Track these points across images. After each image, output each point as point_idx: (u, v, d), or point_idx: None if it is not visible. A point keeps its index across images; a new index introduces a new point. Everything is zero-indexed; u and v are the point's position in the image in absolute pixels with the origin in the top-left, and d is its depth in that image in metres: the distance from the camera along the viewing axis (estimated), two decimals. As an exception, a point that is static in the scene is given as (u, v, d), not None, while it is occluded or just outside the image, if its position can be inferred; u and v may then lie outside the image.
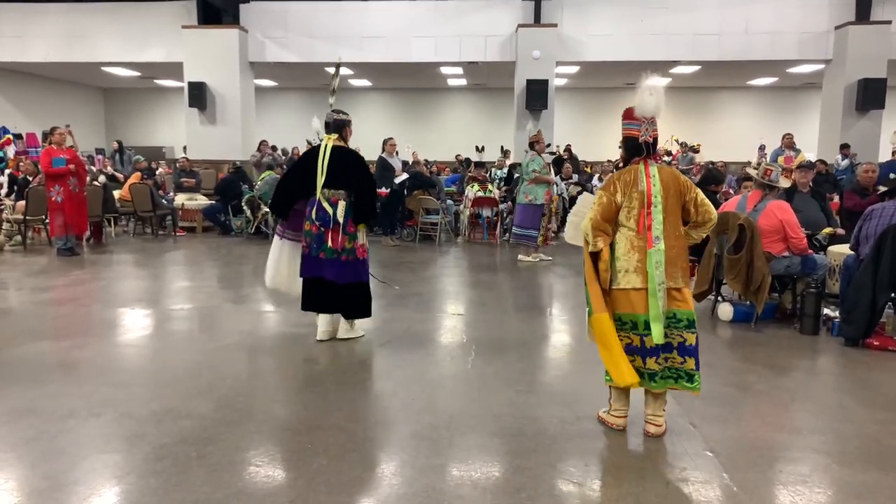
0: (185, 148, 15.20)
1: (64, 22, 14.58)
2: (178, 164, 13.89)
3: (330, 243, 4.89)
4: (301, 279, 5.11)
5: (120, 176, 13.59)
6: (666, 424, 3.57)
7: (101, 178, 12.21)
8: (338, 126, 5.03)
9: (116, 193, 11.59)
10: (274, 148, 15.29)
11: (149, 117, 22.08)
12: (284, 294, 5.46)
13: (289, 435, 3.47)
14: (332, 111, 5.09)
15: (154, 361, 4.78)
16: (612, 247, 3.46)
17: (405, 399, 4.04)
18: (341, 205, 4.91)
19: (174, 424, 3.55)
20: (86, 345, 5.05)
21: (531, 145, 9.05)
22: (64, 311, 6.18)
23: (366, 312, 5.19)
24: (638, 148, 3.48)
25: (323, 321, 5.15)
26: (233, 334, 5.43)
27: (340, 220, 4.88)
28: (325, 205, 4.89)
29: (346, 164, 4.94)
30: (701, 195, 3.49)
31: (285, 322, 5.87)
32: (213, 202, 11.89)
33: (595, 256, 3.45)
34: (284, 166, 12.61)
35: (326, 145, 4.94)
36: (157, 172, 13.72)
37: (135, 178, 11.83)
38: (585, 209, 3.61)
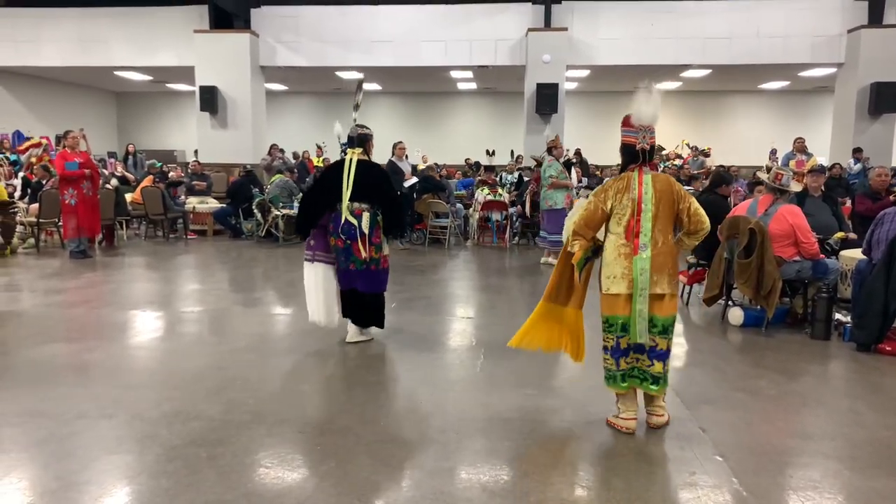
0: (196, 151, 15.27)
1: (77, 27, 14.73)
2: (189, 168, 13.98)
3: (357, 254, 4.98)
4: (336, 315, 5.21)
5: (131, 178, 13.69)
6: (668, 414, 3.68)
7: (113, 182, 12.30)
8: (361, 140, 5.11)
9: (128, 196, 11.68)
10: (283, 151, 15.36)
11: (160, 121, 22.24)
12: (324, 326, 5.26)
13: (298, 437, 3.49)
14: (356, 125, 5.17)
15: (164, 364, 4.81)
16: (598, 252, 3.63)
17: (414, 402, 4.04)
18: (365, 216, 4.98)
19: (185, 426, 3.57)
20: (97, 347, 5.09)
21: (549, 150, 9.04)
22: (76, 313, 6.23)
23: (381, 322, 5.29)
24: (634, 155, 3.52)
25: (351, 324, 5.27)
26: (243, 337, 5.46)
27: (366, 230, 4.97)
28: (350, 217, 4.95)
29: (372, 178, 5.04)
30: (695, 204, 3.53)
31: (295, 325, 5.89)
32: (224, 205, 11.95)
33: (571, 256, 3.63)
34: (295, 170, 12.67)
35: (351, 159, 5.02)
36: (169, 175, 13.81)
37: (147, 181, 11.91)
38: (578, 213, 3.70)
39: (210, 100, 14.08)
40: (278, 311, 6.51)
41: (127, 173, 14.06)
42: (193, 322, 6.00)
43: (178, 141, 21.60)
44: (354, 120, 5.21)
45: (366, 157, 5.12)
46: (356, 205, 4.98)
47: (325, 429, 3.57)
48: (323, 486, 2.96)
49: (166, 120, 22.20)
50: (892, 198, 5.47)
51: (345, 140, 5.26)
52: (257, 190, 11.73)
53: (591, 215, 3.54)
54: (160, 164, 13.49)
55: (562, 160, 9.20)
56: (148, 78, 17.95)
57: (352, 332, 5.26)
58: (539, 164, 10.87)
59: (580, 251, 3.56)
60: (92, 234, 9.50)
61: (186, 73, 14.91)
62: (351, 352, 5.14)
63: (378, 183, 5.09)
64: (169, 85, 19.71)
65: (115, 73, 16.74)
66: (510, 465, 3.21)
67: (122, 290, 7.36)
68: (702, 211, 3.55)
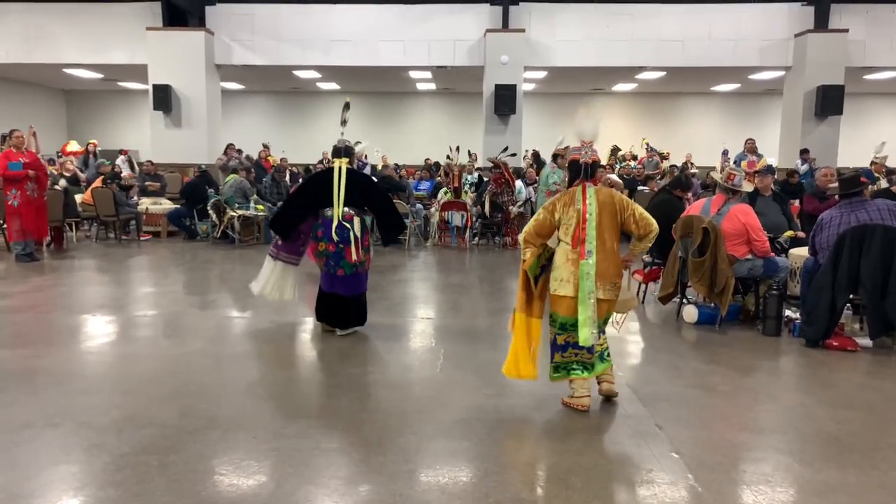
0: (128, 157, 14.79)
1: (24, 22, 14.24)
2: (142, 168, 13.65)
3: (348, 258, 5.22)
4: (289, 294, 5.62)
5: (82, 178, 13.29)
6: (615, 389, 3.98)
7: (62, 183, 11.93)
8: (348, 152, 5.44)
9: (78, 197, 11.34)
10: (240, 151, 15.11)
11: (112, 120, 21.65)
12: (260, 300, 5.74)
13: (254, 442, 3.41)
14: (343, 139, 5.51)
15: (116, 369, 4.67)
16: (551, 258, 3.89)
17: (372, 404, 4.01)
18: (356, 221, 5.25)
19: (136, 433, 3.47)
20: (45, 353, 4.91)
21: (554, 157, 9.09)
22: (22, 318, 6.01)
23: (364, 320, 5.55)
24: (579, 171, 3.82)
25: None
26: (198, 340, 5.34)
27: (358, 234, 5.23)
28: (344, 223, 5.21)
29: (362, 185, 5.39)
30: (639, 210, 3.82)
31: (251, 328, 5.80)
32: (179, 206, 11.70)
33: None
34: (252, 170, 12.47)
35: (340, 168, 5.27)
36: (122, 175, 13.44)
37: (97, 181, 11.58)
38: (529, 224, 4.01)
39: (164, 99, 13.78)
40: (234, 314, 6.39)
41: (79, 173, 13.63)
42: (147, 326, 5.85)
43: (132, 141, 21.04)
44: (342, 134, 5.52)
45: (351, 166, 5.42)
46: (347, 210, 5.23)
47: (280, 433, 3.51)
48: (279, 493, 2.91)
49: (118, 119, 21.62)
50: (836, 197, 5.63)
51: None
52: (212, 190, 11.50)
53: (540, 225, 3.84)
54: (110, 162, 13.14)
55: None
56: (99, 76, 17.46)
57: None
58: (496, 165, 10.94)
59: (531, 257, 3.83)
60: (38, 236, 9.18)
61: (139, 72, 14.56)
62: (308, 355, 5.08)
63: (370, 189, 5.45)
64: (121, 83, 19.22)
65: (64, 70, 16.24)
66: (469, 466, 3.21)
67: (72, 294, 7.14)
68: (647, 215, 3.83)
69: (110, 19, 14.27)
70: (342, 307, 5.37)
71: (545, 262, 3.92)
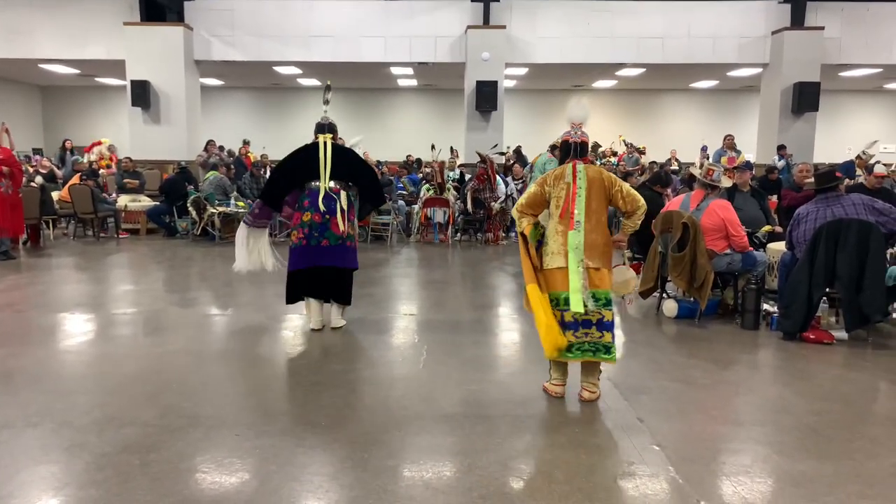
0: (78, 163, 14.59)
1: (-2, 17, 14.01)
2: (121, 165, 13.48)
3: (335, 229, 5.26)
4: (271, 260, 5.66)
5: (59, 174, 13.11)
6: (600, 391, 3.98)
7: (39, 179, 11.76)
8: (332, 128, 5.54)
9: (55, 195, 11.19)
10: (221, 148, 15.00)
11: (89, 116, 21.35)
12: (246, 275, 5.81)
13: (237, 440, 3.40)
14: (326, 117, 5.60)
15: (95, 368, 4.63)
16: (543, 233, 4.04)
17: (356, 401, 4.01)
18: (343, 194, 5.35)
19: (116, 433, 3.44)
20: (22, 352, 4.85)
21: (552, 148, 9.08)
22: (-2, 317, 5.93)
23: (349, 298, 5.58)
24: (569, 150, 4.04)
25: (315, 311, 5.45)
26: (179, 339, 5.30)
27: (345, 206, 5.32)
28: (332, 194, 5.29)
29: (348, 159, 5.51)
30: (626, 186, 4.00)
31: (233, 325, 5.76)
32: (158, 203, 11.58)
33: (526, 237, 4.01)
34: (232, 167, 12.38)
35: (326, 142, 5.37)
36: (99, 173, 13.29)
37: (75, 178, 11.43)
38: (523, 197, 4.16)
39: (142, 95, 13.60)
40: (215, 312, 6.35)
41: (56, 169, 13.44)
42: (127, 324, 5.80)
43: (109, 137, 20.67)
44: (325, 111, 5.64)
45: (335, 141, 5.52)
46: (334, 183, 5.31)
47: (263, 431, 3.50)
48: (262, 491, 2.90)
49: (96, 115, 21.33)
50: (812, 191, 5.71)
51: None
52: (192, 187, 11.40)
53: (532, 196, 4.03)
54: (83, 159, 12.96)
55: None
56: (75, 71, 17.21)
57: (335, 316, 5.51)
58: (483, 160, 10.95)
59: (528, 225, 3.99)
60: (14, 234, 9.04)
61: (117, 67, 14.37)
62: (290, 352, 5.06)
63: (355, 162, 5.55)
64: (98, 79, 18.96)
65: (40, 65, 15.98)
66: (453, 461, 3.22)
67: (50, 292, 7.05)
68: (634, 191, 3.98)
69: (87, 14, 14.06)
70: (338, 280, 5.40)
71: (539, 238, 4.05)
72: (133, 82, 13.67)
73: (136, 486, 2.91)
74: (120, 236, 11.22)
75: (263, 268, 5.66)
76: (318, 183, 5.28)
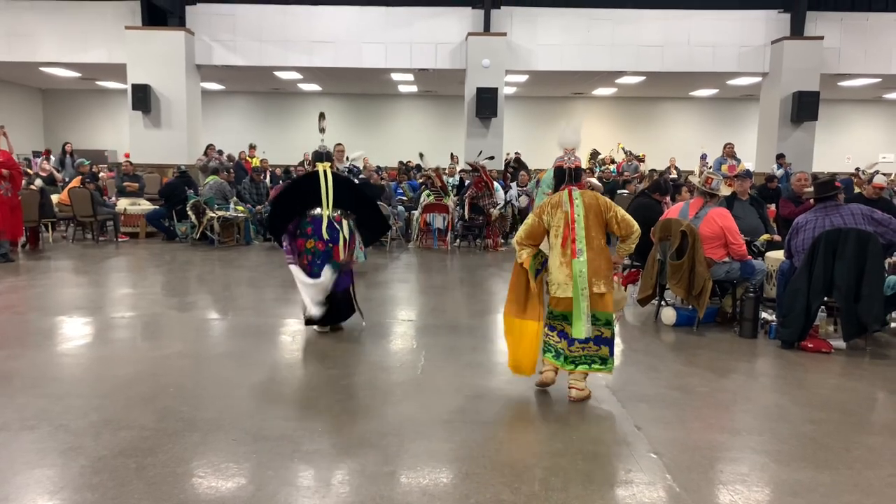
0: (112, 155, 14.69)
1: (1, 19, 14.03)
2: (121, 168, 13.49)
3: (336, 257, 5.32)
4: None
5: (59, 178, 13.11)
6: (588, 389, 4.08)
7: (38, 182, 11.76)
8: (330, 156, 5.64)
9: (55, 198, 11.19)
10: (220, 152, 15.01)
11: (90, 120, 21.39)
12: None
13: (234, 445, 3.40)
14: (323, 145, 5.68)
15: (93, 371, 4.62)
16: (545, 263, 4.15)
17: (353, 406, 4.00)
18: (345, 223, 5.43)
19: (113, 436, 3.44)
20: (20, 355, 4.84)
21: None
22: (-4, 320, 5.92)
23: (352, 311, 5.65)
24: (563, 176, 4.11)
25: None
26: (177, 342, 5.30)
27: (347, 236, 5.40)
28: (334, 223, 5.36)
29: (349, 188, 5.62)
30: (621, 212, 4.06)
31: (231, 330, 5.76)
32: (157, 207, 11.59)
33: (524, 268, 4.11)
34: (231, 171, 12.39)
35: (325, 171, 5.43)
36: (99, 176, 13.29)
37: (75, 181, 11.43)
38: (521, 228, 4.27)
39: (143, 98, 13.65)
40: (214, 316, 6.34)
41: (56, 172, 13.43)
42: (125, 328, 5.79)
43: (110, 140, 20.83)
44: (322, 140, 5.72)
45: (334, 170, 5.60)
46: (338, 212, 5.39)
47: (260, 436, 3.49)
48: (259, 496, 2.90)
49: (97, 118, 21.37)
50: (811, 201, 5.72)
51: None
52: (192, 191, 11.40)
53: (531, 229, 4.12)
54: (89, 162, 12.96)
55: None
56: (76, 75, 17.24)
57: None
58: (475, 168, 10.98)
59: (528, 256, 4.10)
60: (13, 236, 9.05)
61: (118, 71, 14.42)
62: (288, 357, 5.06)
63: (357, 192, 5.69)
64: (99, 82, 19.01)
65: (41, 69, 16.02)
66: (450, 468, 3.22)
67: (48, 295, 7.04)
68: (629, 217, 4.06)
69: (89, 18, 14.11)
70: (341, 302, 5.49)
71: (539, 266, 4.16)
72: (134, 86, 13.72)
73: (133, 490, 2.90)
74: (119, 240, 11.22)
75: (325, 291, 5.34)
76: (320, 211, 5.35)
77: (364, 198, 5.73)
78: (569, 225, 3.95)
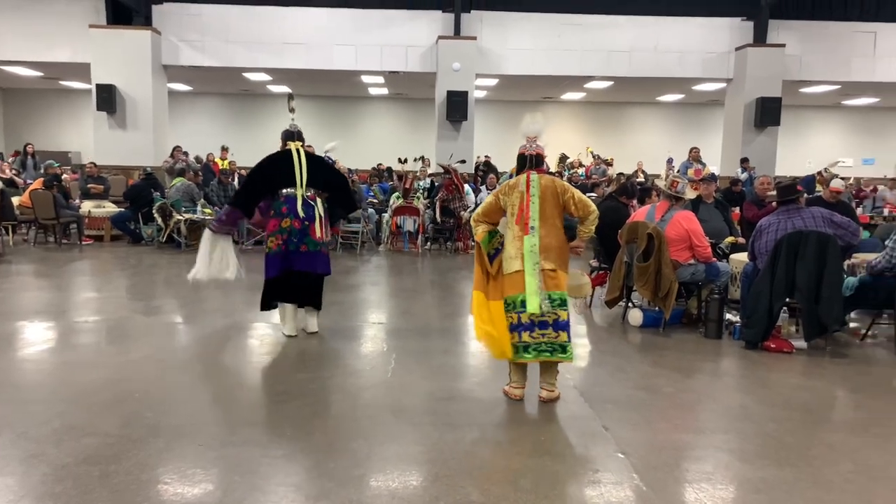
0: (76, 157, 14.41)
1: (-43, 17, 13.68)
2: (85, 170, 13.23)
3: (313, 235, 5.34)
4: (233, 269, 5.52)
5: (20, 182, 12.81)
6: (559, 391, 4.14)
7: (-2, 184, 11.48)
8: (301, 135, 5.62)
9: (16, 200, 10.92)
10: (186, 154, 14.79)
11: (53, 120, 20.92)
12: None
13: (200, 450, 3.35)
14: (294, 124, 5.64)
15: (55, 377, 4.53)
16: (501, 242, 4.20)
17: (322, 410, 3.98)
18: (319, 201, 5.43)
19: (76, 443, 3.37)
20: (-22, 361, 4.72)
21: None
22: (-46, 325, 5.77)
23: (321, 302, 5.62)
24: (524, 162, 4.23)
25: (290, 317, 5.47)
26: (142, 347, 5.21)
27: (322, 213, 5.41)
28: (309, 201, 5.35)
29: (322, 167, 5.69)
30: (578, 194, 4.17)
31: (198, 334, 5.69)
32: (123, 209, 11.39)
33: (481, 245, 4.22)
34: (200, 173, 12.23)
35: (299, 150, 5.42)
36: (62, 178, 13.01)
37: (37, 183, 11.18)
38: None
39: (108, 99, 13.40)
40: (181, 320, 6.26)
41: (16, 177, 13.13)
42: (89, 332, 5.68)
43: (74, 141, 20.40)
44: (292, 119, 5.68)
45: (307, 149, 5.63)
46: (311, 190, 5.38)
47: (228, 441, 3.46)
48: (226, 501, 2.87)
49: (60, 119, 20.91)
50: (774, 204, 5.85)
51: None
52: (158, 193, 11.23)
53: (488, 207, 4.26)
54: (59, 164, 12.69)
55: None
56: (39, 74, 16.87)
57: (311, 321, 5.56)
58: (447, 171, 11.00)
59: (482, 232, 4.22)
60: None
61: (82, 70, 14.12)
62: (256, 361, 5.02)
63: (329, 170, 5.79)
64: (62, 82, 18.62)
65: (2, 67, 15.62)
66: (420, 471, 3.22)
67: (9, 300, 6.87)
68: (585, 198, 4.17)
69: (52, 16, 13.79)
70: (314, 285, 5.47)
71: (498, 246, 4.20)
72: (98, 86, 13.47)
73: (96, 498, 2.85)
74: (83, 243, 11.00)
75: (224, 276, 5.51)
76: (293, 190, 5.32)
77: (336, 175, 5.80)
78: (524, 204, 4.07)
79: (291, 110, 5.83)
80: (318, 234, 5.36)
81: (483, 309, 4.16)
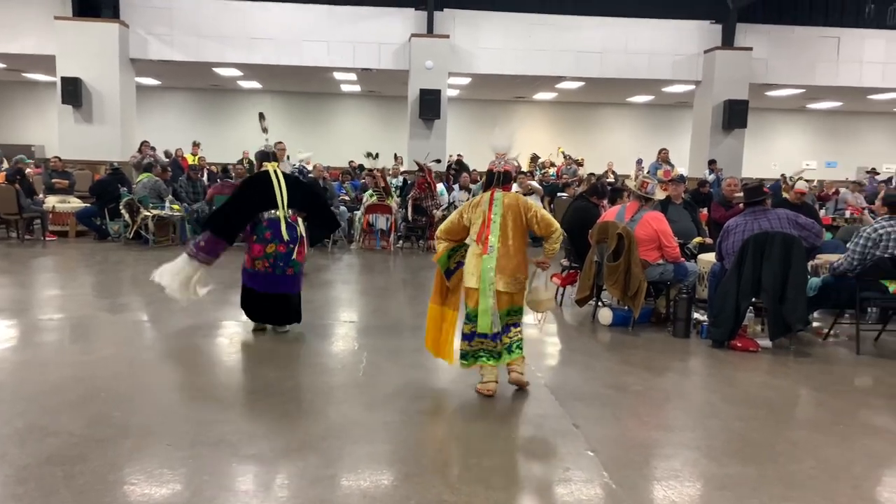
0: (40, 151, 14.10)
1: (-85, 5, 13.27)
2: (49, 164, 12.93)
3: (299, 258, 5.32)
4: (202, 293, 5.44)
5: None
6: (526, 378, 4.26)
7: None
8: (276, 156, 5.57)
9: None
10: (153, 149, 14.55)
11: (16, 113, 20.44)
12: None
13: (169, 450, 3.31)
14: (268, 145, 5.60)
15: (17, 376, 4.42)
16: (460, 264, 4.30)
17: (293, 410, 3.95)
18: (300, 222, 5.40)
19: (40, 443, 3.30)
20: (-64, 360, 4.60)
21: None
22: (-89, 323, 5.60)
23: (300, 316, 5.60)
24: (492, 179, 4.24)
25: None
26: (108, 345, 5.12)
27: (304, 234, 5.38)
28: (292, 223, 5.31)
29: (301, 187, 5.67)
30: (541, 212, 4.23)
31: (166, 332, 5.61)
32: (88, 205, 11.15)
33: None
34: (169, 169, 12.04)
35: (276, 171, 5.36)
36: (25, 172, 12.69)
37: (-2, 178, 10.91)
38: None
39: (73, 92, 13.13)
40: (147, 318, 6.16)
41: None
42: (53, 330, 5.56)
43: (38, 135, 19.94)
44: (266, 140, 5.64)
45: (284, 171, 5.57)
46: (292, 212, 5.33)
47: (197, 440, 3.41)
48: (195, 501, 2.83)
49: (23, 112, 20.43)
50: (741, 206, 5.96)
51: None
52: (125, 189, 11.02)
53: (451, 225, 4.31)
54: (31, 160, 12.37)
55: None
56: (1, 66, 16.45)
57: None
58: (421, 168, 10.99)
59: (442, 251, 4.29)
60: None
61: (46, 63, 13.81)
62: (226, 359, 4.96)
63: (310, 191, 5.78)
64: (26, 74, 18.18)
65: (-38, 58, 15.25)
66: (391, 470, 3.21)
67: (-33, 297, 6.70)
68: (549, 216, 4.22)
69: (15, 5, 13.47)
70: (285, 305, 5.43)
71: (461, 259, 4.28)
72: (64, 79, 13.19)
73: (60, 500, 2.79)
74: (47, 239, 10.76)
75: (190, 298, 5.38)
76: (276, 212, 5.26)
77: (315, 195, 5.79)
78: (485, 223, 4.11)
79: (264, 130, 5.77)
80: (302, 255, 5.37)
81: (436, 322, 4.32)
